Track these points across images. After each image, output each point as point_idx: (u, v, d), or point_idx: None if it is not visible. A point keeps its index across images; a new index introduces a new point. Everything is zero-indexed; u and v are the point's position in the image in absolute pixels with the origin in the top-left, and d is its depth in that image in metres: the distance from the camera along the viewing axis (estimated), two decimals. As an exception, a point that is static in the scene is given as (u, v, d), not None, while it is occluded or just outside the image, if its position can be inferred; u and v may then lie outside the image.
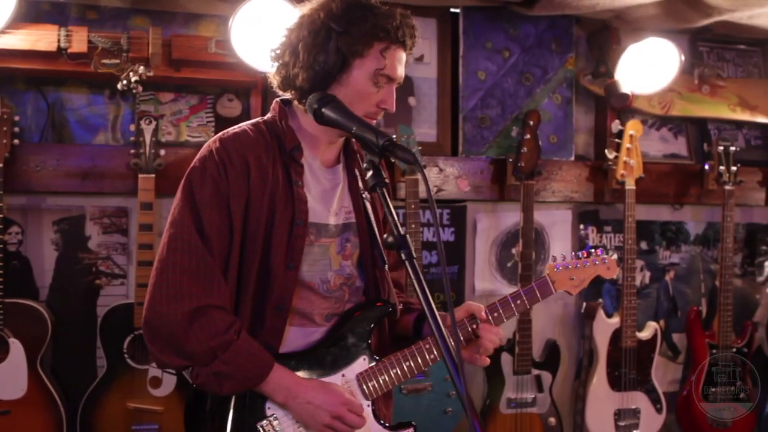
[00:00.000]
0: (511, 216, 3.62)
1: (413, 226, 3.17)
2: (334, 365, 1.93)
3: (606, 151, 3.57)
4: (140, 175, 2.97)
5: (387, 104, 1.89)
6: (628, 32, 3.71)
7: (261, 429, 1.84)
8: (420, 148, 3.25)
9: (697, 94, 3.87)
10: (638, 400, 3.51)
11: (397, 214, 3.18)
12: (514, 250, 3.62)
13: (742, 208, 3.97)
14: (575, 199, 3.72)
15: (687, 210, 3.97)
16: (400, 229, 1.63)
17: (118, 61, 2.97)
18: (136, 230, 2.98)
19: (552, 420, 3.45)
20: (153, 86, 3.18)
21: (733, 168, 3.65)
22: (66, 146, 3.13)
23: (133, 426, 2.94)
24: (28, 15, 2.98)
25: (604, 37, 3.73)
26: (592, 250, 2.17)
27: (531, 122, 3.39)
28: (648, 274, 3.90)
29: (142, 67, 2.94)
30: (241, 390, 1.82)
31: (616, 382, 3.49)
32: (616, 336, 3.49)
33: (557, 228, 3.73)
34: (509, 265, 3.65)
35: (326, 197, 1.94)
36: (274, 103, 1.99)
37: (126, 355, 2.95)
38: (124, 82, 2.94)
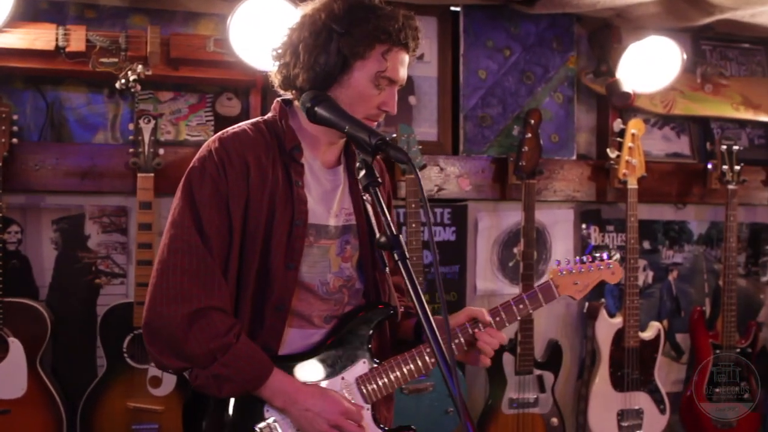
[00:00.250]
0: (512, 215, 3.60)
1: (413, 225, 3.16)
2: (334, 368, 1.91)
3: (608, 150, 3.55)
4: (139, 175, 2.96)
5: (388, 106, 1.87)
6: (630, 31, 3.69)
7: (259, 431, 1.83)
8: (420, 147, 3.23)
9: (700, 93, 3.85)
10: (641, 400, 3.50)
11: (398, 213, 3.21)
12: (515, 250, 3.61)
13: (745, 207, 3.95)
14: (577, 198, 3.70)
15: (690, 209, 3.95)
16: (393, 229, 1.61)
17: (116, 60, 2.96)
18: (136, 229, 2.97)
19: (554, 420, 3.43)
20: (152, 85, 3.17)
21: (737, 167, 3.63)
22: (65, 145, 3.12)
23: (133, 425, 2.94)
24: (27, 14, 2.97)
25: (606, 36, 3.71)
26: (597, 255, 2.15)
27: (532, 121, 3.37)
28: (651, 273, 3.89)
29: (140, 66, 2.93)
30: (239, 393, 1.81)
31: (618, 383, 3.47)
32: (619, 336, 3.47)
33: (559, 227, 3.71)
34: (511, 264, 3.64)
35: (326, 198, 1.93)
36: (275, 103, 1.98)
37: (126, 355, 2.94)
38: (123, 81, 2.93)
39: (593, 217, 3.79)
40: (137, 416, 2.93)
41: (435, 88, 3.55)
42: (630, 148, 3.47)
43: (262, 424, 1.83)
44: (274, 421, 1.84)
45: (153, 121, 2.99)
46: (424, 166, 3.28)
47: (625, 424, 3.47)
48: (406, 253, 1.59)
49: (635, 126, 3.50)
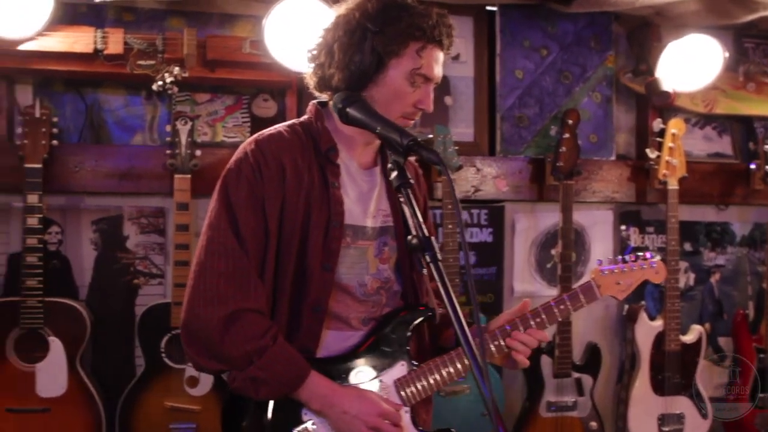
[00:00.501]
0: (550, 216, 3.56)
1: (450, 226, 3.13)
2: (372, 370, 1.90)
3: (647, 150, 3.51)
4: (176, 176, 2.98)
5: (424, 104, 1.86)
6: (669, 29, 3.63)
7: (297, 434, 1.83)
8: (457, 147, 3.22)
9: (743, 92, 3.78)
10: (683, 405, 3.44)
11: (434, 214, 3.19)
12: (553, 251, 3.57)
13: (790, 207, 3.87)
14: (616, 199, 3.66)
15: (732, 210, 3.88)
16: (424, 230, 1.59)
17: (153, 62, 2.99)
18: (173, 230, 2.99)
19: (593, 424, 3.38)
20: (189, 87, 3.19)
21: (781, 167, 3.57)
22: (104, 147, 3.16)
23: (170, 425, 2.96)
24: (66, 17, 3.01)
25: (645, 34, 3.66)
26: (640, 254, 2.10)
27: (570, 121, 3.33)
28: (692, 276, 3.82)
29: (177, 68, 2.96)
30: (276, 396, 1.80)
31: (659, 387, 3.41)
32: (659, 339, 3.42)
33: (598, 228, 3.67)
34: (549, 266, 3.60)
35: (363, 199, 1.92)
36: (310, 105, 1.97)
37: (163, 355, 2.97)
38: (159, 83, 2.96)
39: (633, 219, 3.73)
40: (175, 416, 2.96)
41: (471, 88, 3.53)
42: (670, 148, 3.42)
43: (300, 428, 1.82)
44: (313, 424, 1.83)
45: (190, 123, 3.01)
46: (460, 167, 3.26)
47: (666, 428, 3.41)
48: (438, 255, 1.57)
49: (676, 126, 3.44)
